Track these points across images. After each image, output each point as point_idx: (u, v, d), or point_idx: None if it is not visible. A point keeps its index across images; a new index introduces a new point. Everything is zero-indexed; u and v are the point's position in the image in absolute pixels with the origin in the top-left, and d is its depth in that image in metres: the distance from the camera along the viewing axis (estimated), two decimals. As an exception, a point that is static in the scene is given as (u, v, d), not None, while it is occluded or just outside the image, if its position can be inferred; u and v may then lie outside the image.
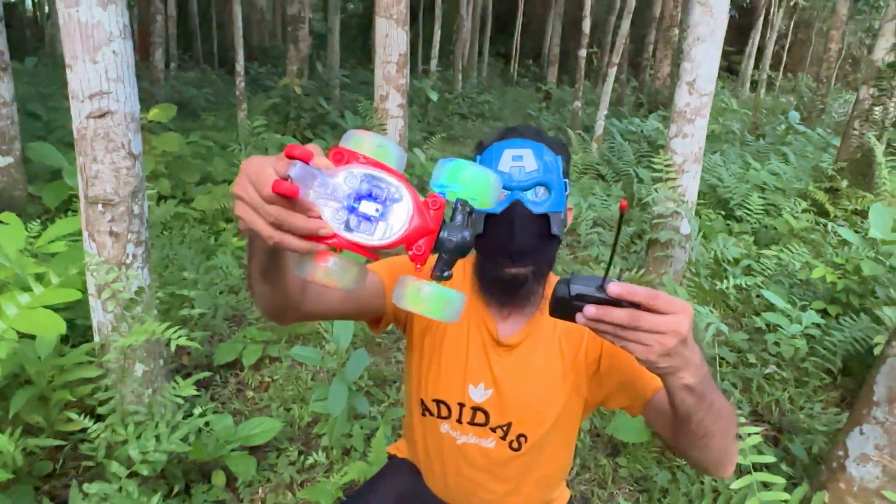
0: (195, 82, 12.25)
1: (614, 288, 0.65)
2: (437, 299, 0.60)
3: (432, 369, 1.11)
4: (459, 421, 1.11)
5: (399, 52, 5.37)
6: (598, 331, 0.69)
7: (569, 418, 1.11)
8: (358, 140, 0.60)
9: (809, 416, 2.68)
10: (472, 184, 0.62)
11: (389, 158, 0.61)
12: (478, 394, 1.09)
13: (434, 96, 8.90)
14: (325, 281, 0.59)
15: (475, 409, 1.10)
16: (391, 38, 5.32)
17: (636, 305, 0.65)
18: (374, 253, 0.62)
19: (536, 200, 0.98)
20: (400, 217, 0.60)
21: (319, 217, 0.56)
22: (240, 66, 7.56)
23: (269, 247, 0.63)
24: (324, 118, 8.32)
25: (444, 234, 0.63)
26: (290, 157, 0.54)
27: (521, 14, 18.08)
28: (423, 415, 1.14)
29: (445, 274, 0.65)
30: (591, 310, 0.66)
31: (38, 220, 3.20)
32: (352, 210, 0.58)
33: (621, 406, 1.07)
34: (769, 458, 1.52)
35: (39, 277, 2.36)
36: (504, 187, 0.98)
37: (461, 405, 1.10)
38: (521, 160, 0.98)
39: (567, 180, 1.04)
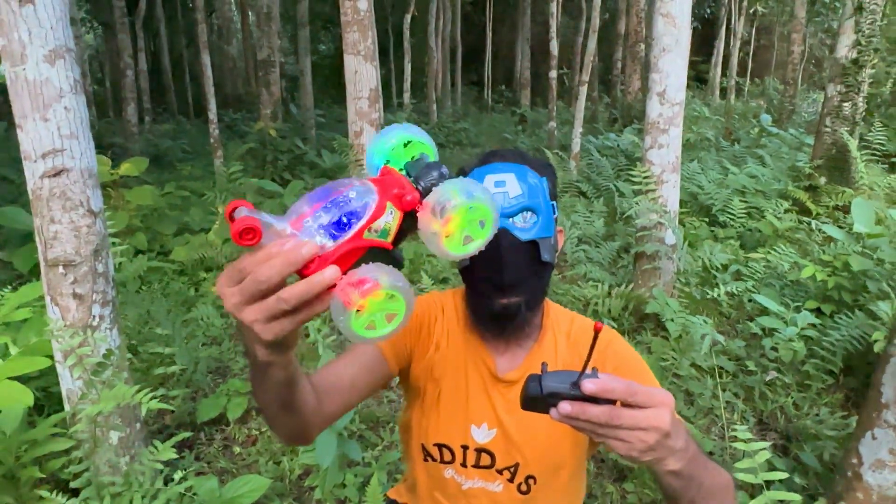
0: (170, 134, 12.25)
1: (589, 386, 0.61)
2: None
3: (432, 413, 1.06)
4: (464, 465, 1.05)
5: (370, 87, 5.37)
6: (575, 427, 0.64)
7: (577, 455, 1.05)
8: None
9: (817, 421, 2.60)
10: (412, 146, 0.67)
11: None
12: (481, 434, 1.03)
13: (409, 128, 8.91)
14: (371, 309, 0.53)
15: (480, 450, 1.04)
16: (360, 74, 5.32)
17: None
18: (382, 242, 0.58)
19: (523, 226, 0.93)
20: (368, 202, 0.57)
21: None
22: (212, 113, 7.55)
23: (286, 375, 0.69)
24: (301, 159, 8.30)
25: (418, 176, 0.62)
26: (233, 211, 0.52)
27: (489, 42, 18.38)
28: (426, 460, 1.08)
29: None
30: (565, 407, 0.62)
31: (11, 287, 3.10)
32: (321, 228, 0.54)
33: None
34: (782, 474, 1.43)
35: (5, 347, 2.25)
36: None
37: (465, 447, 1.04)
38: (503, 185, 0.93)
39: (555, 202, 0.99)
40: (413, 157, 0.67)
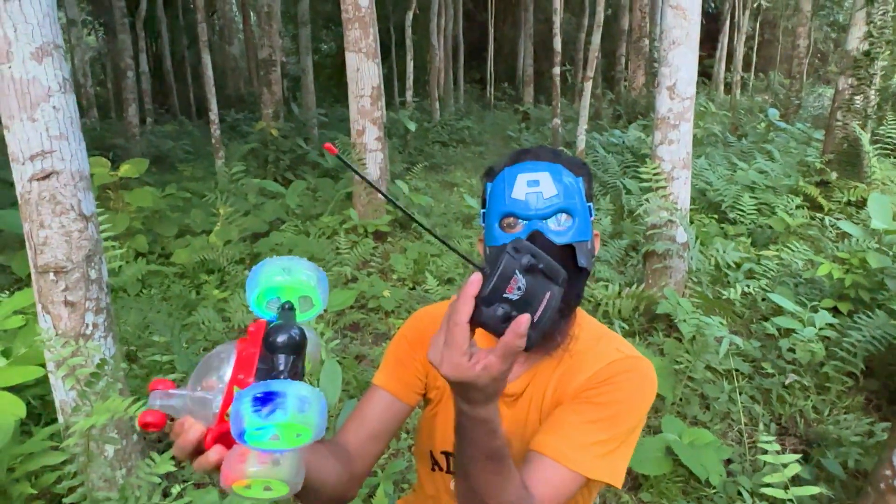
0: (172, 135, 12.18)
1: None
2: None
3: (439, 421, 1.02)
4: None
5: (372, 84, 5.30)
6: None
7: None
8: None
9: (838, 426, 2.50)
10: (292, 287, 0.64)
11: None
12: None
13: (412, 126, 8.84)
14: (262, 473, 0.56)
15: None
16: (362, 71, 5.24)
17: None
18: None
19: (559, 229, 0.87)
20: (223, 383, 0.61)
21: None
22: (213, 114, 7.48)
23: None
24: (303, 158, 8.22)
25: (270, 339, 0.60)
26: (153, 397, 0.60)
27: (492, 39, 18.26)
28: (433, 469, 1.04)
29: (287, 374, 0.58)
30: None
31: (8, 292, 3.03)
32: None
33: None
34: (813, 489, 1.35)
35: (4, 353, 2.18)
36: (521, 217, 0.87)
37: None
38: (537, 185, 0.87)
39: (591, 204, 0.93)
40: (286, 301, 0.64)
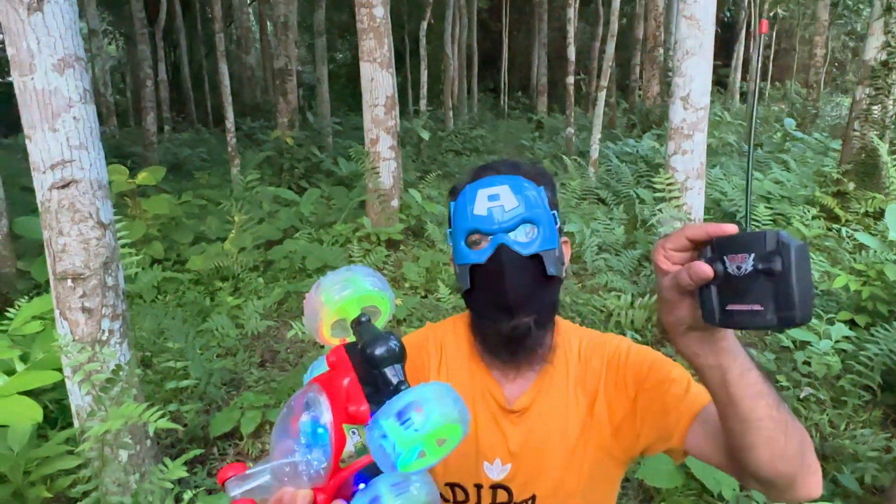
0: (189, 143, 12.34)
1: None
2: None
3: None
4: None
5: (386, 94, 5.34)
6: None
7: (599, 479, 0.98)
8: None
9: (854, 440, 2.46)
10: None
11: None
12: (495, 471, 0.96)
13: (426, 135, 8.88)
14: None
15: (495, 487, 0.96)
16: (377, 81, 5.29)
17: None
18: (360, 461, 0.56)
19: (524, 241, 0.86)
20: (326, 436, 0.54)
21: None
22: (230, 122, 7.58)
23: None
24: (318, 166, 8.29)
25: (370, 354, 0.53)
26: (225, 481, 0.54)
27: (506, 48, 18.33)
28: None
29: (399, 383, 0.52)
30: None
31: (27, 297, 3.08)
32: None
33: (665, 451, 0.94)
34: (827, 505, 1.33)
35: (23, 358, 2.22)
36: (485, 231, 0.87)
37: (478, 486, 0.97)
38: (498, 199, 0.87)
39: (556, 211, 0.92)
40: (358, 315, 0.59)
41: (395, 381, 0.51)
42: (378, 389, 0.52)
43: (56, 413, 2.61)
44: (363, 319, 0.58)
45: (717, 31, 3.51)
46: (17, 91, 1.72)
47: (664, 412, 0.88)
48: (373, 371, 0.52)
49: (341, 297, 0.58)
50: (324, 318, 0.58)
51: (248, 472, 0.53)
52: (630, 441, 0.95)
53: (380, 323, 0.61)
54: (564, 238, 0.94)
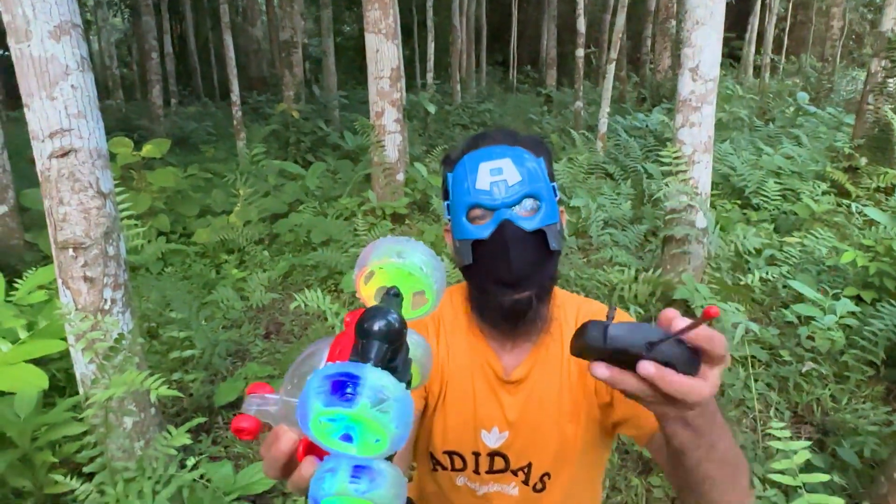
0: (195, 116, 12.31)
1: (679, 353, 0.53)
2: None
3: (438, 421, 1.01)
4: (477, 471, 1.00)
5: (391, 66, 5.27)
6: (620, 388, 0.56)
7: (592, 447, 0.99)
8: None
9: (856, 415, 2.46)
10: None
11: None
12: (492, 439, 0.98)
13: (432, 109, 8.79)
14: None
15: (492, 454, 0.99)
16: (382, 53, 5.22)
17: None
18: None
19: (527, 216, 0.85)
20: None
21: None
22: (235, 95, 7.54)
23: None
24: (324, 140, 8.25)
25: (362, 324, 0.50)
26: (238, 430, 0.53)
27: (515, 20, 18.02)
28: (435, 469, 1.03)
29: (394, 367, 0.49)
30: (649, 368, 0.53)
31: (35, 268, 3.11)
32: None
33: (629, 435, 0.95)
34: (822, 476, 1.33)
35: (29, 327, 2.25)
36: (488, 207, 0.86)
37: (476, 454, 0.99)
38: (500, 173, 0.85)
39: (554, 183, 0.91)
40: (390, 287, 0.56)
41: (370, 356, 0.48)
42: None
43: (64, 382, 2.65)
44: (392, 293, 0.55)
45: (731, 1, 3.42)
46: (14, 59, 1.71)
47: (636, 408, 0.88)
48: (360, 341, 0.50)
49: (381, 260, 0.55)
50: (362, 273, 0.56)
51: (269, 396, 0.53)
52: (609, 414, 0.95)
53: (424, 311, 0.57)
54: (561, 208, 0.93)
